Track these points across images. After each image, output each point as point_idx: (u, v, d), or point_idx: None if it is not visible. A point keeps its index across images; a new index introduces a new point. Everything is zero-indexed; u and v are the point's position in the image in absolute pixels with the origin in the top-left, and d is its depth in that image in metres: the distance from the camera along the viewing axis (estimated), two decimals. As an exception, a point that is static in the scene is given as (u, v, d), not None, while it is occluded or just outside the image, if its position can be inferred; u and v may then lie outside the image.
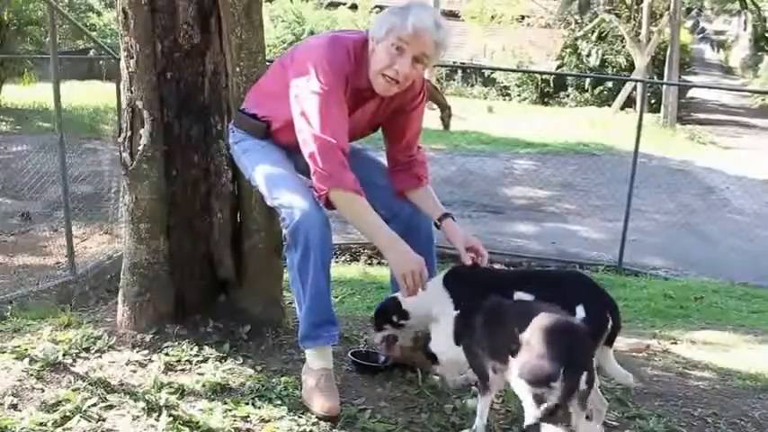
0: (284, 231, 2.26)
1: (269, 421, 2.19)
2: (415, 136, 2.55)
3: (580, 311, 2.16)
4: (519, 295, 2.22)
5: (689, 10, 20.01)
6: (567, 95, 21.42)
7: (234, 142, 2.50)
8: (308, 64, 2.24)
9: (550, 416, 1.76)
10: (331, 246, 2.31)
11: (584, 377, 1.79)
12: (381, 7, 19.77)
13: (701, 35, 20.88)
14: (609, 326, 2.19)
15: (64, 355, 2.51)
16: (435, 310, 2.31)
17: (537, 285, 2.28)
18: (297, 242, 2.21)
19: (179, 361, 2.52)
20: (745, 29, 19.93)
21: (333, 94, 2.21)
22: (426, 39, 2.23)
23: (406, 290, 2.20)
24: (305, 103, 2.22)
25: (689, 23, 20.18)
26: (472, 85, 22.01)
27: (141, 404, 2.21)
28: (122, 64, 2.64)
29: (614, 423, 2.31)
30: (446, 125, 13.93)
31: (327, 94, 2.20)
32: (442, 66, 17.52)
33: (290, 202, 2.23)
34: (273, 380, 2.44)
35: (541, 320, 1.88)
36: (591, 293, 2.26)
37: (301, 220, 2.19)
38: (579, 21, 20.61)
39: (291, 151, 2.39)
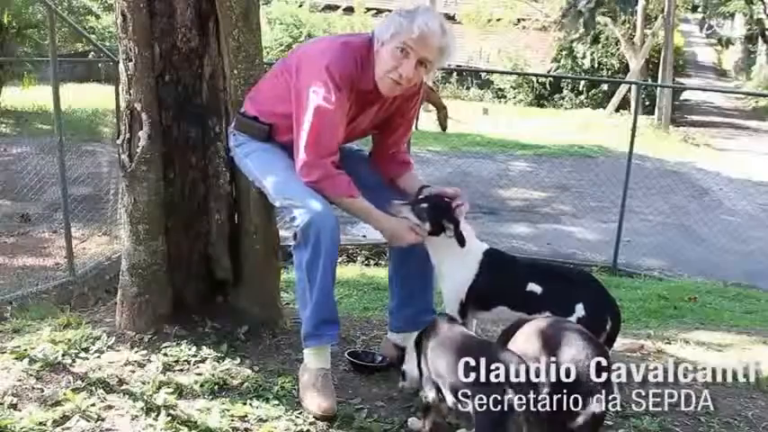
0: (295, 230, 2.28)
1: (266, 421, 2.21)
2: (404, 134, 2.62)
3: (580, 310, 2.21)
4: (531, 287, 2.31)
5: (695, 8, 19.85)
6: (563, 98, 21.44)
7: (235, 146, 2.52)
8: (316, 71, 2.27)
9: None
10: (338, 248, 2.34)
11: None
12: (378, 10, 19.78)
13: (709, 31, 20.71)
14: (607, 327, 2.23)
15: (63, 355, 2.52)
16: (448, 257, 2.39)
17: (547, 278, 2.35)
18: (307, 240, 2.24)
19: (177, 361, 2.54)
20: None
21: (336, 112, 2.27)
22: (431, 43, 2.27)
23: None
24: (306, 115, 2.27)
25: (684, 26, 20.19)
26: (468, 88, 22.00)
27: (140, 404, 2.24)
28: (121, 67, 2.66)
29: (608, 422, 2.34)
30: (443, 126, 13.92)
31: (331, 112, 2.26)
32: (438, 68, 17.52)
33: (303, 201, 2.26)
34: (271, 380, 2.46)
35: None
36: (594, 295, 2.30)
37: (314, 219, 2.22)
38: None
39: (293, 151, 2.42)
